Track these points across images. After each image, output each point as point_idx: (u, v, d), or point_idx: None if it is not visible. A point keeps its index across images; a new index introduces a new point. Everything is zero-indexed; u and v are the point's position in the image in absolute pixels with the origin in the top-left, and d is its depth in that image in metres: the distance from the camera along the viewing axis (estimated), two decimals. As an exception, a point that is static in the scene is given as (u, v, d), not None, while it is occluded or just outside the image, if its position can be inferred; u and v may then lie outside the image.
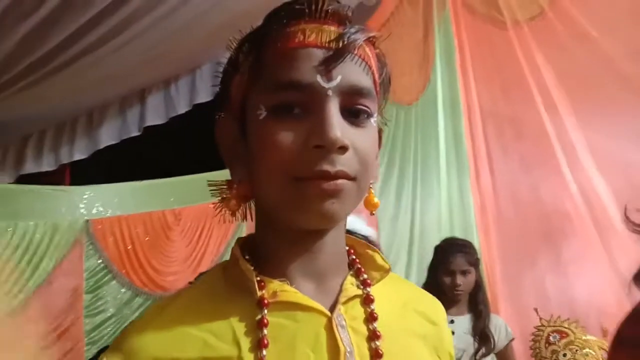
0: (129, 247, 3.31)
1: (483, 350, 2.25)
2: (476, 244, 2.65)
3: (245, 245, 0.63)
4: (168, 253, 3.44)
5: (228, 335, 0.55)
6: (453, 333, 2.23)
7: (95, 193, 3.31)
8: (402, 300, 0.65)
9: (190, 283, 0.76)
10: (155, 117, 3.93)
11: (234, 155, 0.62)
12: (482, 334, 2.27)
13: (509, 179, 2.57)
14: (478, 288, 2.35)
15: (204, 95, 4.01)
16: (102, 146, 3.82)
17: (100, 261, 3.24)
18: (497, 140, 2.67)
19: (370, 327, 0.58)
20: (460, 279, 2.26)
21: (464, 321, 2.32)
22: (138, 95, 3.92)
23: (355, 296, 0.60)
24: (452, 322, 2.31)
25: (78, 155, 3.76)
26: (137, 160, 4.06)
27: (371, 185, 0.61)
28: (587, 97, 2.21)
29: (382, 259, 0.64)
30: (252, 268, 0.58)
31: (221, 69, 0.64)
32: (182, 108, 3.97)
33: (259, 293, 0.56)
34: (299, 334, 0.55)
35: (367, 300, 0.60)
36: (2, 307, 2.96)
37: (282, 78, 0.55)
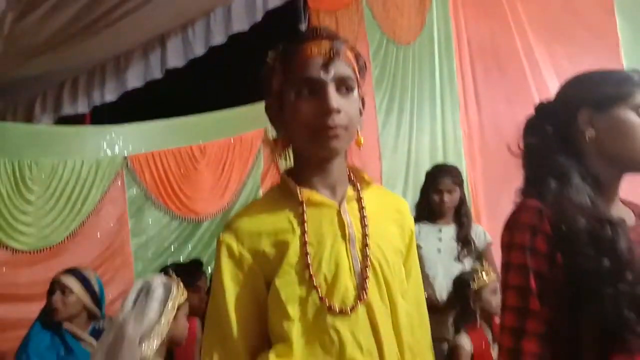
0: (163, 178, 3.79)
1: (465, 251, 2.75)
2: (463, 168, 3.10)
3: (288, 172, 1.07)
4: (197, 182, 3.91)
5: (285, 219, 1.00)
6: (440, 240, 2.74)
7: (131, 131, 3.74)
8: (380, 199, 1.09)
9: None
10: (175, 60, 4.26)
11: (278, 122, 1.05)
12: (464, 240, 2.77)
13: (494, 112, 2.94)
14: (462, 203, 2.82)
15: (219, 37, 4.29)
16: (129, 88, 4.20)
17: (140, 191, 3.73)
18: (484, 78, 3.01)
19: (361, 213, 1.03)
20: (446, 197, 2.73)
21: (450, 229, 2.81)
22: (159, 40, 4.24)
23: (352, 197, 1.05)
24: (440, 230, 2.80)
25: (109, 98, 4.14)
26: (153, 101, 4.38)
27: (357, 130, 1.04)
28: (563, 42, 2.53)
29: (367, 177, 1.08)
30: (295, 184, 1.03)
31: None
32: (200, 51, 4.28)
33: (299, 197, 1.01)
34: (323, 217, 1.01)
35: (359, 199, 1.05)
36: (60, 232, 3.50)
37: (302, 76, 0.98)
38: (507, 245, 1.12)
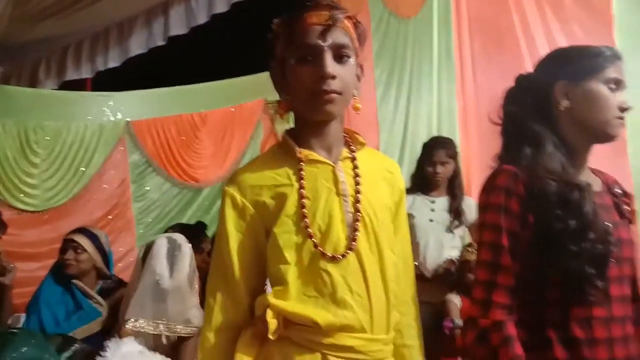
0: (165, 145, 3.87)
1: (456, 222, 2.85)
2: (457, 141, 3.18)
3: (288, 132, 1.16)
4: (198, 150, 4.00)
5: (284, 174, 1.09)
6: (433, 210, 2.84)
7: (134, 98, 3.81)
8: (373, 160, 1.18)
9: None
10: (177, 27, 4.30)
11: (280, 85, 1.13)
12: (456, 211, 2.86)
13: (490, 87, 3.00)
14: (455, 176, 2.91)
15: (222, 6, 4.30)
16: (132, 55, 4.24)
17: (141, 156, 3.82)
18: (481, 53, 3.07)
19: (354, 172, 1.12)
20: (439, 168, 2.82)
21: (443, 201, 2.90)
22: (162, 7, 4.26)
23: (347, 157, 1.13)
24: (433, 201, 2.90)
25: (112, 63, 4.19)
26: (155, 69, 4.43)
27: (355, 95, 1.12)
28: (557, 18, 2.59)
29: (362, 139, 1.17)
30: (294, 144, 1.12)
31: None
32: (202, 19, 4.31)
33: (298, 155, 1.10)
34: (319, 174, 1.10)
35: (353, 159, 1.13)
36: (64, 194, 3.60)
37: (302, 42, 1.06)
38: (483, 205, 1.21)
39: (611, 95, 1.21)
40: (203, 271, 2.67)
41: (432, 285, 2.78)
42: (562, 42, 2.46)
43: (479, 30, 3.10)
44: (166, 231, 2.62)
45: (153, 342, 1.73)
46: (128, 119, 3.77)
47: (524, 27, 2.77)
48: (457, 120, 3.30)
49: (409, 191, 2.97)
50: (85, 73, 4.18)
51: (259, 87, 3.77)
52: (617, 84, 1.22)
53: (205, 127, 4.02)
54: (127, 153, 3.77)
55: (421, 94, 3.80)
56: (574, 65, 1.23)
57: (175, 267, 1.64)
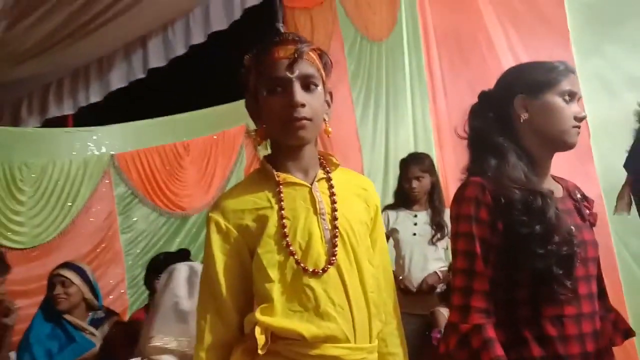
0: (149, 176, 3.92)
1: (438, 235, 2.94)
2: (434, 155, 3.29)
3: (266, 158, 1.24)
4: (182, 178, 4.06)
5: (265, 198, 1.16)
6: (415, 224, 2.92)
7: (117, 131, 3.87)
8: (347, 179, 1.26)
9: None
10: (156, 59, 4.39)
11: (255, 115, 1.21)
12: (437, 224, 2.95)
13: (460, 101, 3.11)
14: (434, 189, 3.00)
15: (199, 36, 4.41)
16: (113, 89, 4.32)
17: (127, 188, 3.86)
18: (450, 70, 3.20)
19: (330, 191, 1.20)
20: (415, 183, 2.92)
21: (424, 215, 2.99)
22: (140, 41, 4.36)
23: (322, 178, 1.21)
24: (415, 216, 2.99)
25: (94, 98, 4.27)
26: (135, 102, 4.49)
27: (325, 120, 1.20)
28: (519, 34, 2.73)
29: (335, 160, 1.25)
30: (272, 168, 1.19)
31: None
32: (180, 50, 4.40)
33: (277, 179, 1.17)
34: (297, 195, 1.17)
35: (328, 179, 1.21)
36: (51, 230, 3.62)
37: (271, 75, 1.14)
38: (455, 216, 1.29)
39: (566, 106, 1.30)
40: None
41: (419, 297, 2.85)
42: (524, 57, 2.59)
43: (446, 48, 3.24)
44: (151, 261, 2.66)
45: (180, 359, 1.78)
46: (112, 152, 3.83)
47: (487, 43, 2.90)
48: (433, 135, 3.42)
49: (393, 207, 3.06)
50: (68, 109, 4.25)
51: (240, 113, 3.80)
52: (572, 96, 1.32)
53: (188, 155, 4.08)
54: (113, 186, 3.81)
55: (398, 112, 3.91)
56: (531, 80, 1.33)
57: (193, 290, 1.71)
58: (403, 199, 3.03)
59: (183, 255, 2.62)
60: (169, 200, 3.96)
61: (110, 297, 3.59)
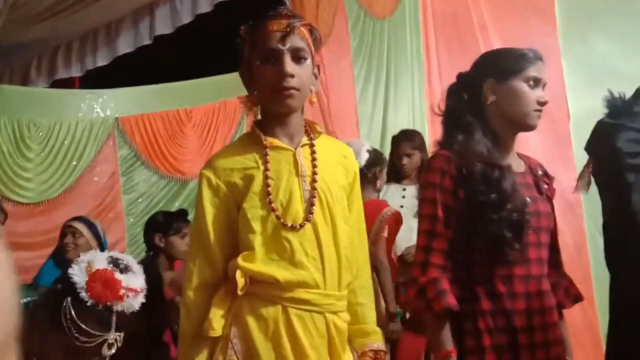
0: (152, 140, 4.06)
1: (425, 209, 3.07)
2: (426, 134, 3.41)
3: (256, 123, 1.37)
4: (184, 144, 4.19)
5: (252, 159, 1.30)
6: (404, 197, 3.07)
7: (122, 95, 3.99)
8: (330, 146, 1.40)
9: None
10: (163, 27, 4.47)
11: (248, 83, 1.34)
12: (423, 198, 3.09)
13: (452, 82, 3.22)
14: (424, 165, 3.14)
15: (205, 6, 4.48)
16: (120, 53, 4.42)
17: (130, 151, 4.00)
18: (446, 52, 3.30)
19: (312, 156, 1.33)
20: (405, 160, 3.05)
21: (413, 189, 3.12)
22: (148, 8, 4.44)
23: (306, 144, 1.35)
24: (404, 189, 3.13)
25: (100, 62, 4.37)
26: (141, 67, 4.59)
27: (312, 90, 1.33)
28: (511, 21, 2.83)
29: (319, 128, 1.38)
30: (261, 133, 1.33)
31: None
32: (187, 18, 4.48)
33: (264, 142, 1.31)
34: (281, 158, 1.31)
35: (311, 145, 1.35)
36: (57, 187, 3.78)
37: (265, 46, 1.27)
38: (423, 184, 1.44)
39: (530, 91, 1.43)
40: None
41: (402, 267, 3.01)
42: (513, 42, 2.69)
43: (443, 30, 3.34)
44: (150, 219, 2.81)
45: None
46: (117, 115, 3.96)
47: (481, 28, 3.00)
48: (426, 114, 3.53)
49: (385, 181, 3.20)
50: (75, 72, 4.36)
51: (241, 84, 3.95)
52: (536, 82, 1.44)
53: (190, 122, 4.21)
54: (117, 148, 3.95)
55: (398, 90, 4.02)
56: (500, 66, 1.46)
57: None
58: (394, 173, 3.17)
59: (181, 215, 2.77)
60: (169, 164, 4.10)
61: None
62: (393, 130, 4.02)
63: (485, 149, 1.41)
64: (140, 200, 4.01)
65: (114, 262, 1.28)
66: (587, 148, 1.81)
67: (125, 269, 1.28)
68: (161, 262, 2.68)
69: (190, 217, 3.35)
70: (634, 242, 1.67)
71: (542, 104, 1.44)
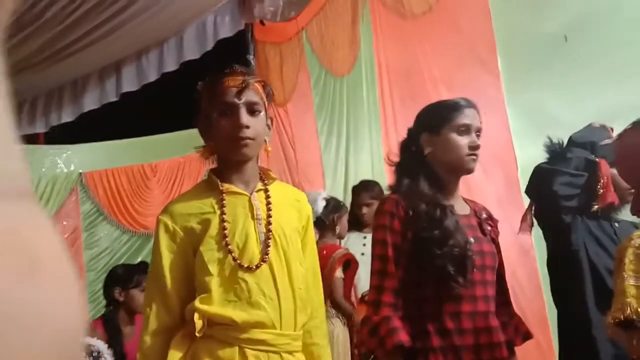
0: (115, 194, 4.06)
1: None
2: (385, 181, 3.53)
3: (212, 171, 1.44)
4: (148, 199, 4.20)
5: (209, 204, 1.36)
6: (365, 245, 3.14)
7: (87, 150, 4.02)
8: (283, 191, 1.47)
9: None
10: (129, 84, 4.56)
11: (205, 134, 1.42)
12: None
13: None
14: (381, 212, 3.23)
15: (171, 64, 4.61)
16: (85, 110, 4.46)
17: (93, 206, 3.99)
18: (400, 106, 3.49)
19: (267, 200, 1.40)
20: (364, 209, 3.15)
21: (373, 237, 3.21)
22: (114, 66, 4.53)
23: (261, 189, 1.42)
24: (365, 237, 3.21)
25: (66, 118, 4.39)
26: (107, 122, 4.64)
27: (265, 140, 1.41)
28: (458, 74, 3.03)
29: (273, 175, 1.46)
30: (217, 179, 1.39)
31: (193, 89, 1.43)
32: (153, 77, 4.59)
33: (220, 188, 1.38)
34: (238, 203, 1.37)
35: (266, 191, 1.42)
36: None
37: (222, 100, 1.36)
38: (374, 226, 1.53)
39: (460, 138, 1.54)
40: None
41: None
42: (463, 94, 2.88)
43: (397, 85, 3.54)
44: (111, 271, 2.79)
45: None
46: (81, 171, 3.96)
47: (432, 82, 3.20)
48: (385, 164, 3.68)
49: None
50: (40, 128, 4.36)
51: (206, 138, 4.05)
52: (467, 128, 1.55)
53: (155, 176, 4.24)
54: (79, 203, 3.93)
55: (358, 142, 4.18)
56: (432, 119, 1.60)
57: None
58: (355, 222, 3.26)
59: (142, 267, 2.75)
60: (133, 219, 4.09)
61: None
62: (354, 179, 4.16)
63: (429, 191, 1.52)
64: (102, 255, 3.96)
65: (86, 349, 1.27)
66: (527, 191, 1.94)
67: (97, 358, 1.28)
68: (121, 316, 2.64)
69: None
70: (576, 280, 1.77)
71: (474, 148, 1.54)
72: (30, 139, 4.27)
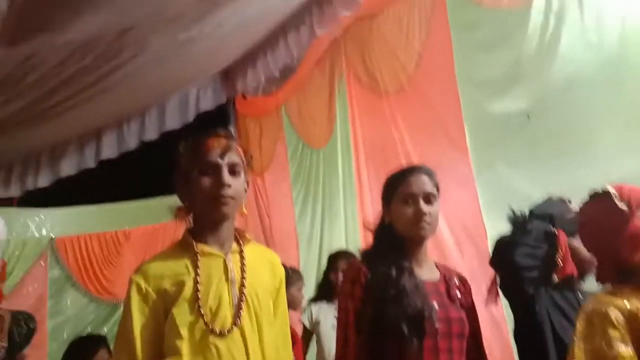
0: (86, 261, 3.98)
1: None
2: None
3: (188, 231, 1.46)
4: (119, 266, 4.13)
5: (183, 265, 1.38)
6: (335, 317, 3.11)
7: (60, 215, 3.97)
8: (257, 253, 1.50)
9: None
10: (108, 151, 4.59)
11: (183, 192, 1.46)
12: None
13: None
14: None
15: (152, 133, 4.68)
16: (62, 176, 4.45)
17: (61, 272, 3.89)
18: (375, 177, 3.60)
19: (242, 262, 1.42)
20: (340, 275, 3.15)
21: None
22: (95, 133, 4.58)
23: (236, 250, 1.44)
24: (336, 308, 3.18)
25: (41, 183, 4.35)
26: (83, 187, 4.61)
27: (243, 203, 1.46)
28: (429, 149, 3.18)
29: (248, 236, 1.49)
30: (192, 240, 1.41)
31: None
32: (133, 144, 4.63)
33: (195, 250, 1.40)
34: (212, 264, 1.39)
35: (241, 252, 1.44)
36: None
37: (205, 160, 1.41)
38: (339, 294, 1.59)
39: (406, 207, 1.59)
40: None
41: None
42: (432, 167, 3.01)
43: (372, 157, 3.68)
44: (70, 344, 2.70)
45: None
46: (52, 235, 3.90)
47: (405, 156, 3.34)
48: (359, 235, 3.73)
49: (315, 300, 3.26)
50: (14, 192, 4.30)
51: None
52: (413, 196, 1.58)
53: (128, 243, 4.19)
54: (47, 268, 3.84)
55: (332, 212, 4.24)
56: (386, 191, 1.68)
57: None
58: (326, 291, 3.25)
59: (98, 340, 2.68)
60: (101, 286, 4.00)
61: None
62: (329, 249, 4.18)
63: (389, 254, 1.57)
64: (67, 324, 3.82)
65: None
66: (491, 263, 2.00)
67: None
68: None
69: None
70: (540, 352, 1.79)
71: (421, 214, 1.56)
72: (2, 202, 4.21)
